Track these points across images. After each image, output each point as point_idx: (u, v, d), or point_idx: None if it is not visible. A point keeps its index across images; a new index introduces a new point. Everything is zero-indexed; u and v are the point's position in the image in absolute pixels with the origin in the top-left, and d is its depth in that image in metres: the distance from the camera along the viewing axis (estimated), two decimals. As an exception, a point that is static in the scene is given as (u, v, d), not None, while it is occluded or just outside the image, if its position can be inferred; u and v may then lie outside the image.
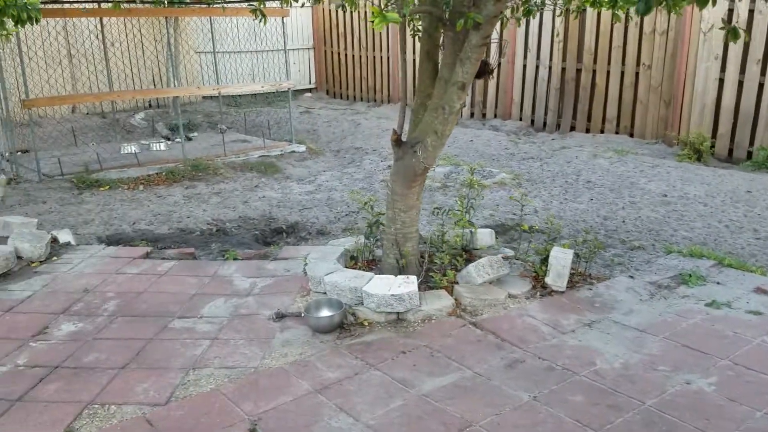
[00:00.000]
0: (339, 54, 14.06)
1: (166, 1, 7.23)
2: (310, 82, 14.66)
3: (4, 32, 4.15)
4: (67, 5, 7.97)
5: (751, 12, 8.22)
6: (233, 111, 12.49)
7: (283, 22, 9.09)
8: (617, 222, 5.96)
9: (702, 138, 8.55)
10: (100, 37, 9.69)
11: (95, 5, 8.59)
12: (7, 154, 7.90)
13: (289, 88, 9.37)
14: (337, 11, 13.54)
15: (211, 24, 9.90)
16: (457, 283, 4.08)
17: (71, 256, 4.84)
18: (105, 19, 9.32)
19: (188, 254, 5.04)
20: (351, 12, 13.35)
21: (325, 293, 3.96)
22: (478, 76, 3.60)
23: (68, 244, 5.10)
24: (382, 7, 3.35)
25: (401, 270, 4.08)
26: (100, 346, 3.50)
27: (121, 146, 8.75)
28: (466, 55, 3.43)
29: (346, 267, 4.28)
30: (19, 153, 8.19)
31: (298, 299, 4.08)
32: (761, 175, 7.69)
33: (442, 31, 3.74)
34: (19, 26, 3.88)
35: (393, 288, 3.70)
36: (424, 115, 3.81)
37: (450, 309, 3.84)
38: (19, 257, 4.62)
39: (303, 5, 5.90)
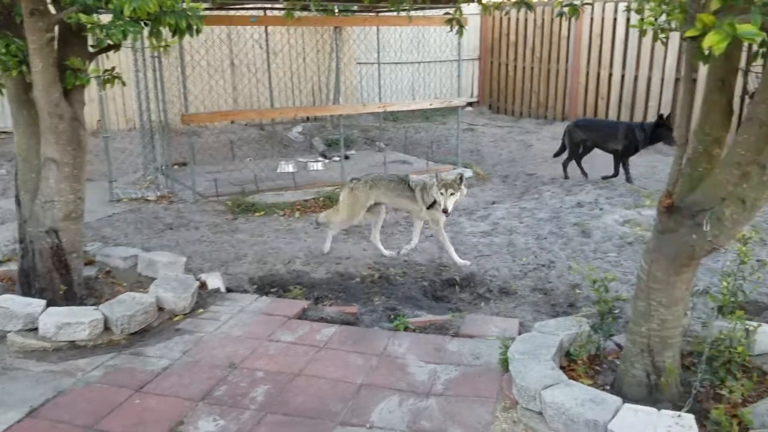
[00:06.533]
0: (507, 65, 12.82)
1: (336, 10, 6.45)
2: (471, 95, 13.56)
3: (164, 44, 3.41)
4: (232, 12, 7.48)
5: None
6: (391, 126, 11.69)
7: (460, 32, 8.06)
8: None
9: None
10: (263, 46, 9.26)
11: (261, 12, 8.08)
12: (163, 167, 7.56)
13: (459, 106, 8.32)
14: (509, 19, 12.30)
15: (378, 33, 9.11)
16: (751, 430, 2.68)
17: (219, 309, 4.10)
18: (269, 28, 8.83)
19: (350, 314, 4.18)
20: (526, 20, 12.07)
21: (540, 413, 2.82)
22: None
23: (217, 291, 4.38)
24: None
25: (651, 390, 2.85)
26: (243, 468, 2.62)
27: (278, 164, 8.19)
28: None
29: (562, 367, 3.12)
30: (175, 166, 7.85)
31: (499, 414, 2.97)
32: None
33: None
34: (177, 37, 3.12)
35: (659, 435, 2.48)
36: (714, 170, 2.56)
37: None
38: (160, 308, 3.93)
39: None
